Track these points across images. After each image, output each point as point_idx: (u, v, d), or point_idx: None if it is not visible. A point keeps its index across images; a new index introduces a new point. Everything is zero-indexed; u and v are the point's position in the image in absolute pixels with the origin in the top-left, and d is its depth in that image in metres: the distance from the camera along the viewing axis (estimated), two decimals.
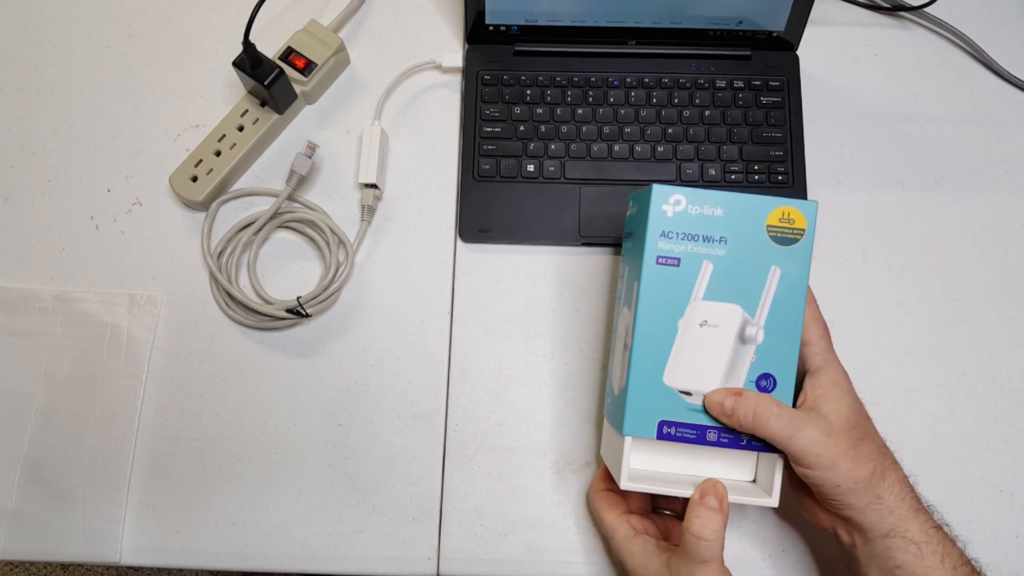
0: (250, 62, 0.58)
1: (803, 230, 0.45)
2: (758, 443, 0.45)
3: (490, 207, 0.61)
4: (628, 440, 0.46)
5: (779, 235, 0.45)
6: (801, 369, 0.47)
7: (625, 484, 0.46)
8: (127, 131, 0.63)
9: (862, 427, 0.45)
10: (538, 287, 0.59)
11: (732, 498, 0.44)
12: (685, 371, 0.45)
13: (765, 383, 0.45)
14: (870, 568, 0.44)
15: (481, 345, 0.58)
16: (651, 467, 0.48)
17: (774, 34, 0.63)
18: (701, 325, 0.45)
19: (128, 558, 0.53)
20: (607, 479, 0.51)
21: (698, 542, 0.43)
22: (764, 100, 0.63)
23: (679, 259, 0.45)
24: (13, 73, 0.65)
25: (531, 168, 0.61)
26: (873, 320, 0.59)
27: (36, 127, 0.63)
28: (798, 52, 0.64)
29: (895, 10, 0.68)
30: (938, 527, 0.44)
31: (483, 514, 0.55)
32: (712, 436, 0.45)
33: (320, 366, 0.58)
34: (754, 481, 0.48)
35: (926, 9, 0.66)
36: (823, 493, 0.44)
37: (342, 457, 0.56)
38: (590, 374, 0.57)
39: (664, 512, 0.52)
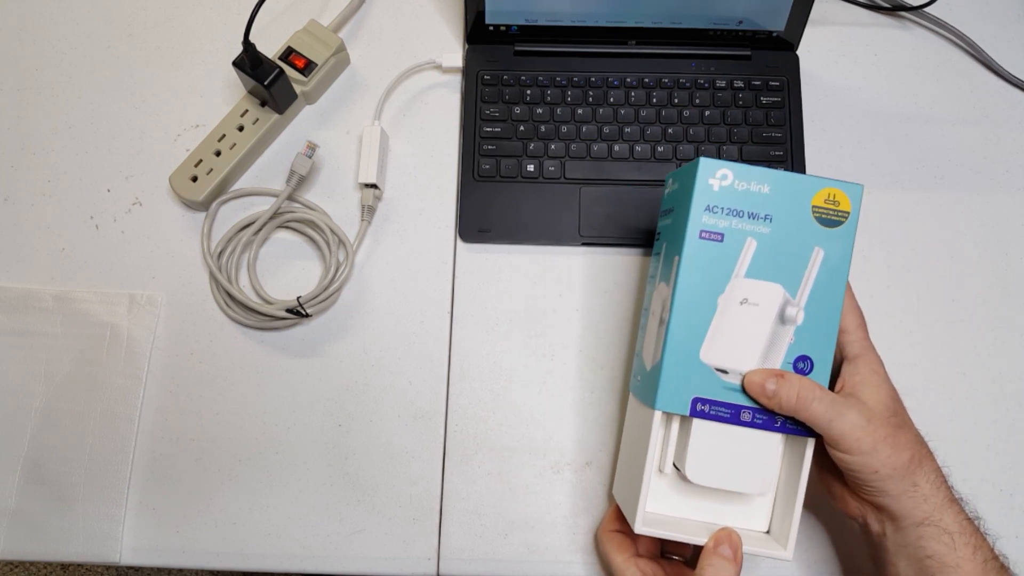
0: (250, 62, 0.58)
1: (848, 212, 0.45)
2: (793, 426, 0.44)
3: (490, 207, 0.61)
4: (646, 484, 0.45)
5: (824, 216, 0.45)
6: (838, 357, 0.46)
7: (639, 528, 0.44)
8: (127, 131, 0.63)
9: (900, 415, 0.45)
10: (538, 287, 0.59)
11: (746, 549, 0.44)
12: (723, 349, 0.44)
13: (802, 365, 0.44)
14: (899, 557, 0.44)
15: (481, 345, 0.58)
16: (666, 511, 0.47)
17: (774, 34, 0.63)
18: (741, 303, 0.44)
19: (128, 558, 0.53)
20: (617, 520, 0.50)
21: None
22: (764, 100, 0.63)
23: (723, 234, 0.44)
24: (13, 73, 0.65)
25: (531, 168, 0.61)
26: (873, 320, 0.59)
27: (36, 127, 0.63)
28: (798, 52, 0.64)
29: (895, 10, 0.67)
30: (971, 519, 0.44)
31: (483, 514, 0.55)
32: (747, 416, 0.44)
33: (320, 366, 0.58)
34: (768, 532, 0.47)
35: (926, 9, 0.66)
36: (859, 479, 0.43)
37: (342, 457, 0.56)
38: (590, 374, 0.57)
39: (672, 557, 0.51)
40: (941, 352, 0.58)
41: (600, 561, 0.53)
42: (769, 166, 0.61)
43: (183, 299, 0.59)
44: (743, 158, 0.61)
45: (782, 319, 0.44)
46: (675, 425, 0.46)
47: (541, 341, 0.58)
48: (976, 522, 0.44)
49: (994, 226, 0.61)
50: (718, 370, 0.44)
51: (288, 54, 0.62)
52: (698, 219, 0.44)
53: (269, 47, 0.60)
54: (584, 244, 0.60)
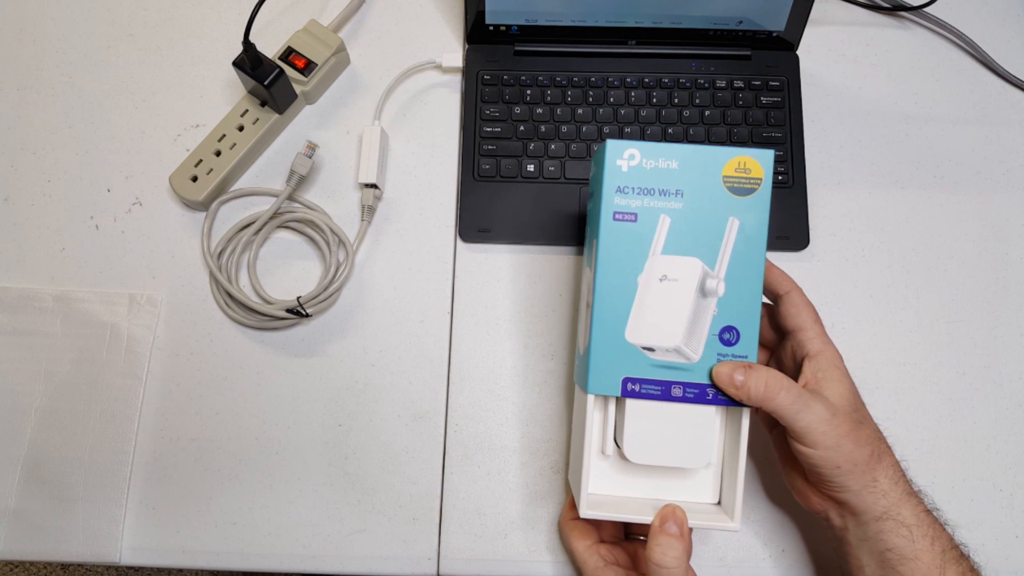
0: (250, 62, 0.58)
1: (760, 179, 0.44)
2: (723, 397, 0.44)
3: (490, 207, 0.61)
4: (586, 468, 0.45)
5: (736, 185, 0.44)
6: (799, 354, 0.47)
7: (584, 512, 0.45)
8: (127, 131, 0.63)
9: (860, 410, 0.45)
10: (538, 287, 0.59)
11: (693, 523, 0.44)
12: (647, 327, 0.44)
13: (728, 336, 0.44)
14: (861, 551, 0.45)
15: (481, 345, 0.58)
16: (612, 492, 0.47)
17: (774, 34, 0.63)
18: (661, 280, 0.44)
19: (128, 558, 0.53)
20: (575, 507, 0.50)
21: (660, 570, 0.42)
22: (764, 100, 0.63)
23: (636, 214, 0.44)
24: (13, 73, 0.65)
25: (531, 168, 0.61)
26: (873, 320, 0.59)
27: (36, 127, 0.63)
28: (798, 52, 0.64)
29: (895, 10, 0.67)
30: (928, 511, 0.44)
31: (483, 514, 0.55)
32: (677, 392, 0.44)
33: (320, 366, 0.58)
34: (719, 503, 0.47)
35: (926, 9, 0.66)
36: (821, 475, 0.44)
37: (342, 457, 0.56)
38: None
39: (638, 538, 0.51)
40: (941, 352, 0.58)
41: (565, 551, 0.53)
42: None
43: (183, 299, 0.59)
44: None
45: (703, 292, 0.44)
46: (611, 407, 0.47)
47: (541, 341, 0.58)
48: (935, 513, 0.45)
49: (994, 226, 0.61)
50: (645, 348, 0.45)
51: (288, 54, 0.62)
52: (610, 201, 0.45)
53: (269, 47, 0.60)
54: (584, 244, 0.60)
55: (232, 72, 0.60)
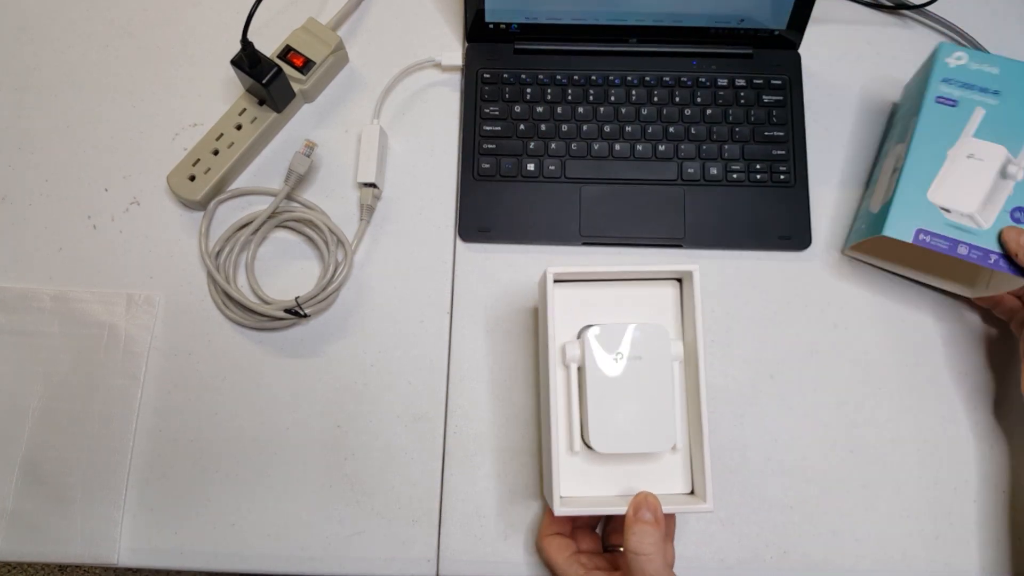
0: (248, 60, 0.57)
1: None
2: (1005, 264, 0.50)
3: (490, 207, 0.60)
4: (556, 464, 0.46)
5: None
6: None
7: (559, 510, 0.46)
8: (125, 130, 0.63)
9: None
10: (538, 287, 0.59)
11: (668, 508, 0.45)
12: (949, 191, 0.51)
13: (1020, 215, 0.51)
14: None
15: (481, 345, 0.58)
16: (585, 492, 0.49)
17: (776, 32, 0.62)
18: (968, 157, 0.52)
19: (126, 559, 0.53)
20: (554, 523, 0.50)
21: (638, 558, 0.43)
22: (766, 99, 0.62)
23: (956, 101, 0.53)
24: (11, 73, 0.64)
25: (531, 167, 0.61)
26: (874, 320, 0.59)
27: (34, 126, 0.63)
28: (800, 50, 0.64)
29: (897, 8, 0.67)
30: None
31: (483, 515, 0.54)
32: (963, 250, 0.51)
33: (319, 366, 0.57)
34: (691, 493, 0.48)
35: (928, 7, 0.66)
36: None
37: (341, 458, 0.55)
38: None
39: (616, 549, 0.51)
40: (944, 354, 0.58)
41: (545, 569, 0.53)
42: (771, 165, 0.61)
43: (181, 299, 0.59)
44: (745, 157, 0.61)
45: (1003, 174, 0.51)
46: (575, 407, 0.48)
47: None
48: None
49: None
50: (942, 208, 0.51)
51: (286, 52, 0.61)
52: (935, 87, 0.54)
53: (267, 45, 0.60)
54: (585, 244, 0.60)
55: (230, 71, 0.59)
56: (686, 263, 0.50)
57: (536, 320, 0.58)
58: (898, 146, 0.55)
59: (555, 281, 0.50)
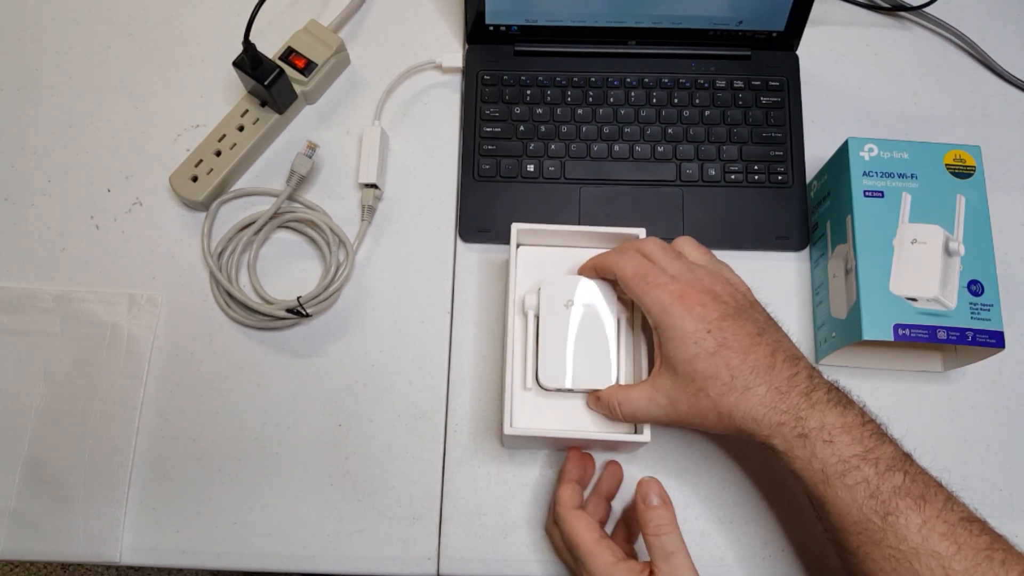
0: (250, 62, 0.58)
1: (974, 166, 0.54)
2: (981, 339, 0.51)
3: (490, 207, 0.61)
4: (510, 396, 0.50)
5: (956, 171, 0.54)
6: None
7: (508, 430, 0.49)
8: (127, 131, 0.63)
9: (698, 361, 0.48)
10: None
11: (606, 436, 0.50)
12: (907, 280, 0.52)
13: (975, 287, 0.52)
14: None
15: (481, 345, 0.58)
16: (535, 425, 0.52)
17: (774, 34, 0.63)
18: (912, 242, 0.53)
19: (128, 558, 0.53)
20: (578, 495, 0.49)
21: (659, 539, 0.44)
22: (764, 100, 0.63)
23: (882, 191, 0.54)
24: (13, 73, 0.65)
25: (531, 168, 0.61)
26: None
27: (36, 127, 0.63)
28: (798, 52, 0.64)
29: (895, 10, 0.68)
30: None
31: (483, 514, 0.55)
32: (942, 335, 0.51)
33: (320, 366, 0.57)
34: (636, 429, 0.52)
35: (926, 9, 0.66)
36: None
37: (342, 457, 0.56)
38: None
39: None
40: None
41: (555, 545, 0.51)
42: (769, 166, 0.61)
43: (183, 299, 0.59)
44: (743, 158, 0.61)
45: (947, 252, 0.53)
46: (531, 352, 0.52)
47: None
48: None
49: (994, 226, 0.61)
50: (908, 299, 0.52)
51: (288, 54, 0.62)
52: (859, 182, 0.54)
53: (269, 47, 0.60)
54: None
55: (232, 72, 0.60)
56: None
57: None
58: (841, 247, 0.55)
59: (520, 245, 0.54)
